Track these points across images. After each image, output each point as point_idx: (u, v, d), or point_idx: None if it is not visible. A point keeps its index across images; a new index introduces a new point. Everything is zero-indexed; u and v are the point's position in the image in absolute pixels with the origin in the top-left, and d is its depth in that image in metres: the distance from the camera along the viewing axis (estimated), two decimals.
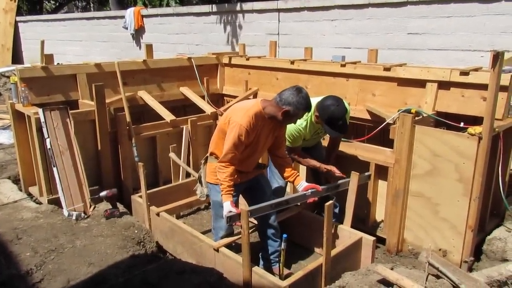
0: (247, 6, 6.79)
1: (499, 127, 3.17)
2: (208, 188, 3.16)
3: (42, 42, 4.56)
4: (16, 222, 3.43)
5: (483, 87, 3.22)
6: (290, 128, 3.24)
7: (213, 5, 7.44)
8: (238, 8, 6.91)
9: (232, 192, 2.86)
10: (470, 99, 3.53)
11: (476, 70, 3.52)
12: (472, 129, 2.98)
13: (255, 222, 3.33)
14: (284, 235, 2.89)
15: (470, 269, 3.17)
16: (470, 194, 3.04)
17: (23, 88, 3.92)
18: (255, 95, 5.13)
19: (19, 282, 2.67)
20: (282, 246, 2.92)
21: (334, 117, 3.06)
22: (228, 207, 2.79)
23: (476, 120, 3.38)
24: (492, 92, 2.83)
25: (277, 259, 3.13)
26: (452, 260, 3.13)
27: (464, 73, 3.52)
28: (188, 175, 4.32)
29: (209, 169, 3.09)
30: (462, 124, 3.30)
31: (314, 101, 3.19)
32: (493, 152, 3.21)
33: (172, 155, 4.02)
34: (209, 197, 3.22)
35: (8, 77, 10.24)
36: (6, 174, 4.74)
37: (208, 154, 3.13)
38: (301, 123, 3.24)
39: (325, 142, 3.70)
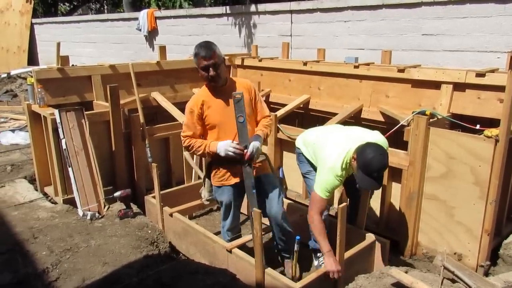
0: (259, 7, 6.78)
1: None
2: (214, 190, 3.19)
3: (58, 44, 4.63)
4: (32, 222, 3.49)
5: (500, 88, 3.18)
6: (330, 177, 2.82)
7: (226, 7, 7.46)
8: (250, 9, 6.92)
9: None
10: (486, 101, 3.48)
11: (492, 71, 3.47)
12: (488, 132, 2.94)
13: (268, 223, 3.33)
14: (297, 237, 2.89)
15: (486, 274, 3.12)
16: (486, 197, 3.00)
17: (39, 89, 3.98)
18: (267, 97, 5.13)
19: (35, 281, 2.71)
20: (295, 248, 2.92)
21: (370, 165, 2.61)
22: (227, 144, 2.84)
23: (492, 122, 3.33)
24: (509, 93, 2.79)
25: (289, 255, 3.14)
26: (467, 264, 3.08)
27: (480, 74, 3.47)
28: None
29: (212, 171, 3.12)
30: (478, 126, 3.26)
31: (357, 137, 2.86)
32: (510, 154, 3.15)
33: (186, 154, 4.02)
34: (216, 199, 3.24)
35: (25, 78, 10.42)
36: (23, 174, 4.83)
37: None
38: (338, 170, 2.81)
39: None
